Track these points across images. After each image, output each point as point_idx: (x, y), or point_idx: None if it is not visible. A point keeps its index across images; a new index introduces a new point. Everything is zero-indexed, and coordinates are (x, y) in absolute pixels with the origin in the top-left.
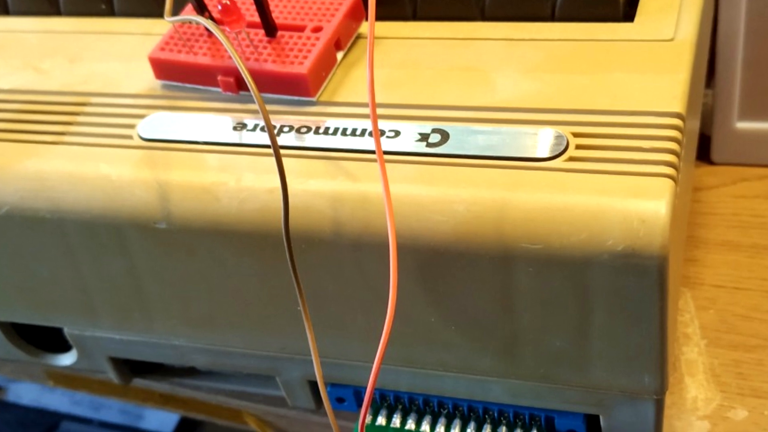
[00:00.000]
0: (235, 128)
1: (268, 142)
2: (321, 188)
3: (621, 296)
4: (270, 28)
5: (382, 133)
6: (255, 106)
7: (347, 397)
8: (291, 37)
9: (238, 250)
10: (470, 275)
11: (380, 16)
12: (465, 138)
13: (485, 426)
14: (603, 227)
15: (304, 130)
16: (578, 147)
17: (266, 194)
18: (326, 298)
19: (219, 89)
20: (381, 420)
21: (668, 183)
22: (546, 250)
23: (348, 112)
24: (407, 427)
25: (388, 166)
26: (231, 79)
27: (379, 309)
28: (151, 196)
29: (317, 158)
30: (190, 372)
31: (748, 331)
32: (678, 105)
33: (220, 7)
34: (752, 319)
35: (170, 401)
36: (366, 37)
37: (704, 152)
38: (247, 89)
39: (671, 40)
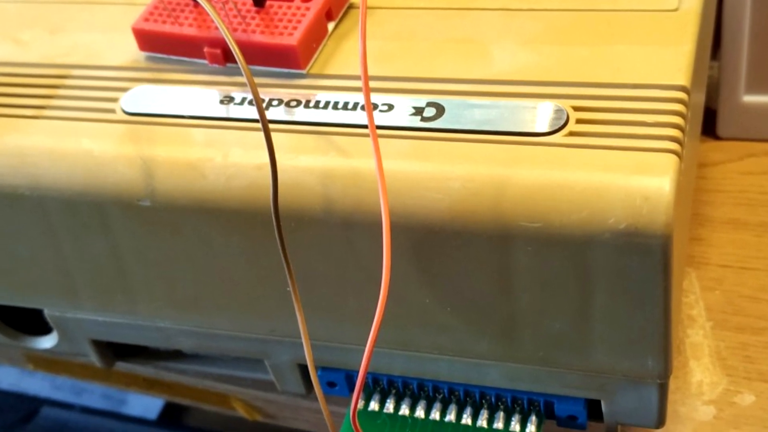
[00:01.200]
0: (222, 102)
1: (256, 116)
2: (311, 164)
3: (623, 277)
4: None
5: (375, 106)
6: (243, 79)
7: (339, 381)
8: (280, 7)
9: (225, 228)
10: (466, 255)
11: None
12: (461, 112)
13: (482, 411)
14: (605, 205)
15: (293, 103)
16: (579, 121)
17: (254, 170)
18: (317, 278)
19: (205, 61)
20: (374, 405)
21: (672, 159)
22: (545, 228)
23: (339, 85)
24: (401, 412)
25: (381, 141)
26: (218, 51)
27: (371, 290)
28: (134, 172)
29: (307, 133)
30: (176, 355)
31: (756, 313)
32: (682, 78)
33: None
34: (760, 300)
35: (155, 386)
36: (358, 7)
37: (710, 127)
38: (234, 61)
39: (675, 10)
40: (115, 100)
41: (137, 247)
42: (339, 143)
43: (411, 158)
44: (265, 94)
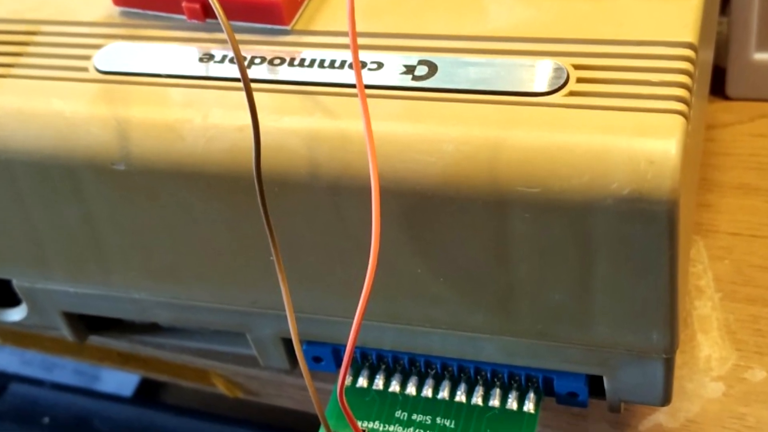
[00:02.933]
0: (201, 60)
1: (237, 75)
2: (296, 126)
3: (627, 245)
4: None
5: (364, 65)
6: (223, 36)
7: (325, 356)
8: None
9: (204, 194)
10: (461, 222)
11: None
12: (455, 70)
13: (477, 388)
14: (607, 169)
15: (277, 61)
16: (579, 80)
17: (236, 132)
18: (302, 247)
19: (183, 17)
20: (362, 381)
21: (679, 120)
22: (544, 194)
23: (326, 41)
24: (391, 389)
25: (370, 101)
26: (196, 6)
27: (360, 259)
28: (108, 134)
29: (292, 93)
30: (152, 329)
31: (767, 284)
32: (690, 34)
33: None
34: None
35: (130, 360)
36: None
37: (719, 86)
38: (214, 16)
39: None
40: (87, 57)
41: (111, 213)
42: (325, 103)
43: (402, 119)
44: (247, 51)
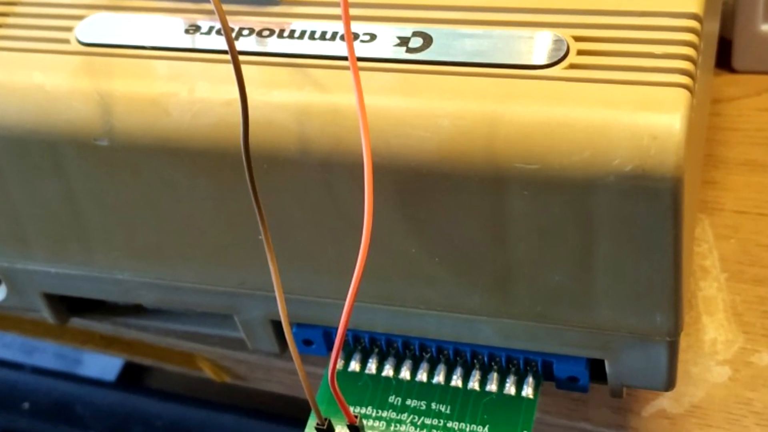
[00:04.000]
0: (187, 31)
1: (225, 47)
2: (286, 100)
3: (629, 224)
4: None
5: (356, 36)
6: (210, 6)
7: (316, 339)
8: None
9: (190, 170)
10: (456, 200)
11: None
12: (450, 42)
13: (473, 372)
14: (609, 144)
15: (266, 33)
16: (580, 53)
17: (223, 107)
18: (291, 225)
19: None
20: (354, 365)
21: (683, 94)
22: (543, 170)
23: (316, 12)
24: (384, 373)
25: (362, 74)
26: None
27: (352, 238)
28: (90, 108)
29: (281, 65)
30: (136, 310)
31: None
32: (694, 5)
33: None
34: None
35: (113, 344)
36: None
37: (725, 59)
38: None
39: None
40: (69, 29)
41: (94, 190)
42: (316, 77)
43: (395, 93)
44: (235, 22)
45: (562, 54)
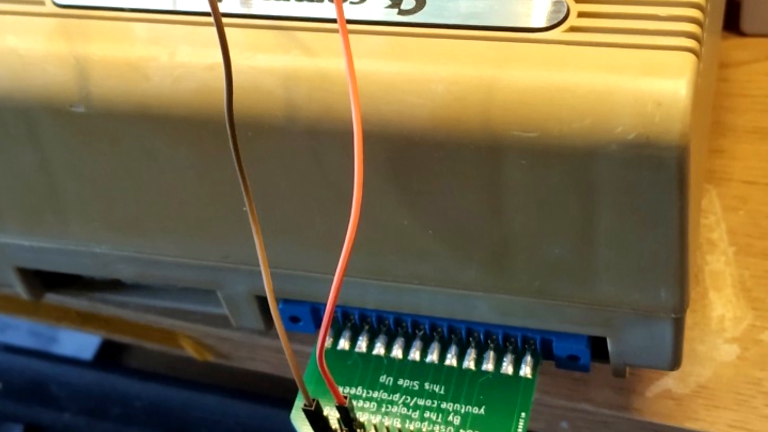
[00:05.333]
0: None
1: (207, 8)
2: (271, 64)
3: (632, 194)
4: None
5: None
6: None
7: (303, 315)
8: None
9: (171, 138)
10: (451, 169)
11: None
12: (444, 4)
13: (469, 350)
14: (611, 111)
15: None
16: (581, 15)
17: (205, 71)
18: (278, 196)
19: None
20: (344, 343)
21: (689, 58)
22: (542, 138)
23: None
24: (375, 351)
25: (352, 37)
26: None
27: (341, 210)
28: (66, 73)
29: (267, 28)
30: (114, 286)
31: None
32: None
33: None
34: None
35: (90, 321)
36: None
37: (733, 21)
38: None
39: None
40: None
41: (70, 160)
42: (303, 40)
43: (387, 57)
44: None
45: (561, 16)
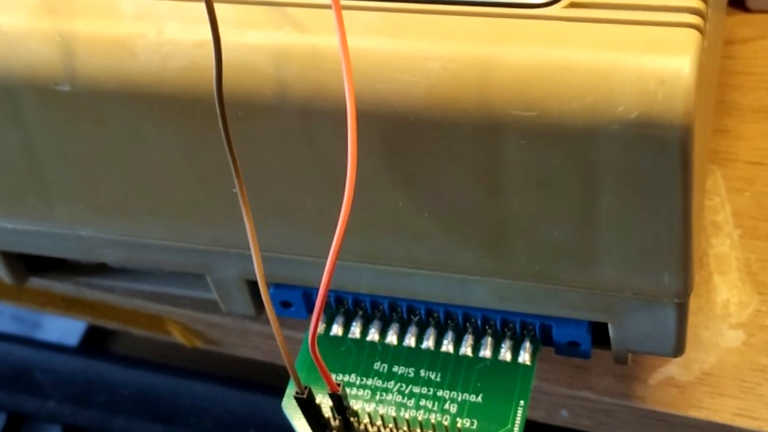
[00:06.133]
0: None
1: None
2: (262, 41)
3: (634, 176)
4: None
5: None
6: None
7: (295, 300)
8: None
9: (158, 118)
10: (447, 149)
11: None
12: None
13: (466, 336)
14: (612, 89)
15: None
16: None
17: (194, 49)
18: (269, 177)
19: None
20: (337, 329)
21: (693, 35)
22: (541, 118)
23: None
24: (369, 338)
25: (345, 13)
26: None
27: (334, 191)
28: (51, 51)
29: (257, 4)
30: (100, 270)
31: None
32: None
33: None
34: None
35: (75, 306)
36: None
37: None
38: None
39: None
40: None
41: (54, 140)
42: (295, 16)
43: (381, 34)
44: None
45: None
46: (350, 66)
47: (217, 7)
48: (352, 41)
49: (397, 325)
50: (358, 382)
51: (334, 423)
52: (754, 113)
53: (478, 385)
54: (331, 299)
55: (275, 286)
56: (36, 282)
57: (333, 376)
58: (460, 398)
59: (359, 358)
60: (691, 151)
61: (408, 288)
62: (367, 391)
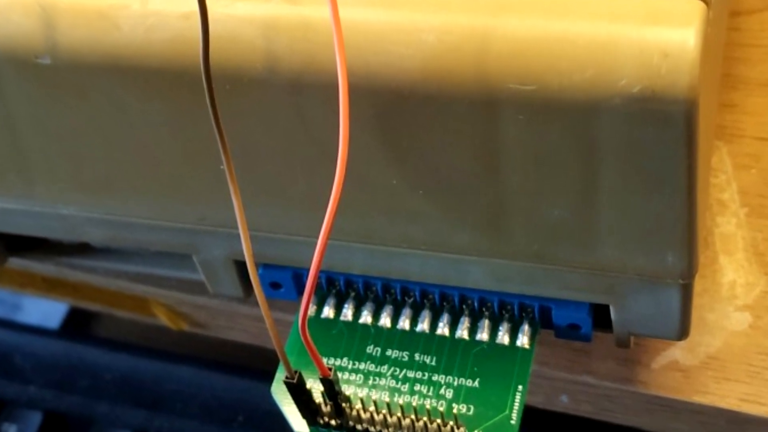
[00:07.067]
0: None
1: None
2: (251, 12)
3: (637, 152)
4: None
5: None
6: None
7: (285, 281)
8: None
9: (143, 92)
10: (443, 125)
11: None
12: None
13: (462, 319)
14: (614, 63)
15: None
16: None
17: (180, 20)
18: (258, 154)
19: None
20: (328, 311)
21: (698, 5)
22: (540, 92)
23: None
24: (361, 320)
25: None
26: None
27: (325, 168)
28: (31, 22)
29: None
30: (83, 249)
31: None
32: None
33: None
34: None
35: (57, 287)
36: None
37: None
38: None
39: None
40: None
41: (35, 115)
42: None
43: (374, 5)
44: None
45: None
46: (342, 38)
47: None
48: (344, 12)
49: (391, 307)
50: (350, 366)
51: (325, 408)
52: (762, 87)
53: (475, 369)
54: (322, 280)
55: (264, 267)
56: (16, 262)
57: (324, 360)
58: (456, 383)
59: (351, 341)
60: (695, 126)
61: (402, 269)
62: (359, 375)
